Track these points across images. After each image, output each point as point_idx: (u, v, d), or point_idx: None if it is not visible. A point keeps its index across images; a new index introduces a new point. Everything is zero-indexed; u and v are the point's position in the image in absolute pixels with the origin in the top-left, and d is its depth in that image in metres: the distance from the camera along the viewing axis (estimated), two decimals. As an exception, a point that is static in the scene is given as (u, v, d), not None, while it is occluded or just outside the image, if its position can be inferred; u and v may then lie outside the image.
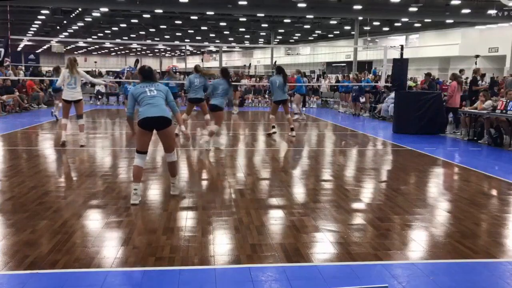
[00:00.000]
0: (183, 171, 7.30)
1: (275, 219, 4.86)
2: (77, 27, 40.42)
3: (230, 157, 8.68)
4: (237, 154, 9.10)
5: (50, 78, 21.69)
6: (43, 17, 33.44)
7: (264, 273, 3.54)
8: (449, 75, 30.75)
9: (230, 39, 48.93)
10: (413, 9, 26.46)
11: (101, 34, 47.84)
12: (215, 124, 9.20)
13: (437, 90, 15.30)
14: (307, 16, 32.22)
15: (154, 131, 5.42)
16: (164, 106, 5.40)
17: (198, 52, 64.94)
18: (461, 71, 16.80)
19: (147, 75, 5.53)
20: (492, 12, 24.91)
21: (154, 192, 5.93)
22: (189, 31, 43.59)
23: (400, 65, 13.88)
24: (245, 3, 25.77)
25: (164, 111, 5.34)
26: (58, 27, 41.88)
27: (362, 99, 17.94)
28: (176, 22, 37.32)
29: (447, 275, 3.59)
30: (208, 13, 31.02)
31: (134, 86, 5.63)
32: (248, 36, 47.43)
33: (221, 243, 4.14)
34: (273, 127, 11.51)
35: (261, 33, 45.25)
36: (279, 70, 11.36)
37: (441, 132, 12.26)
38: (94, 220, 4.75)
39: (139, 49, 66.11)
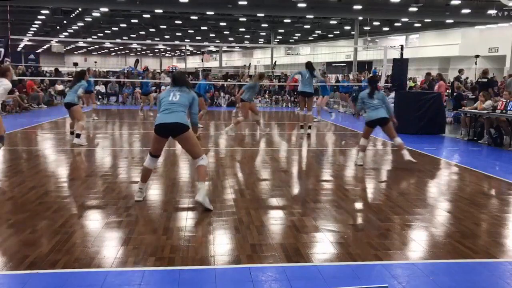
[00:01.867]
0: (184, 172, 7.31)
1: (275, 219, 4.86)
2: (77, 27, 40.41)
3: (230, 157, 8.68)
4: (237, 154, 9.10)
5: (50, 78, 21.73)
6: (43, 17, 33.43)
7: (264, 273, 3.54)
8: (449, 75, 30.81)
9: (230, 39, 48.90)
10: (413, 9, 26.45)
11: (101, 34, 47.82)
12: (363, 138, 8.06)
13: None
14: (307, 16, 32.21)
15: None
16: (182, 113, 5.11)
17: (198, 52, 64.92)
18: (461, 71, 16.78)
19: (174, 79, 5.36)
20: (492, 12, 24.90)
21: (154, 192, 5.93)
22: (189, 31, 43.57)
23: (400, 65, 13.89)
24: (245, 3, 25.77)
25: (178, 117, 5.06)
26: (58, 27, 41.86)
27: None
28: (176, 22, 37.31)
29: (447, 275, 3.59)
30: (208, 13, 31.01)
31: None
32: (248, 36, 47.40)
33: (221, 243, 4.14)
34: (301, 127, 11.72)
35: (261, 33, 45.24)
36: (309, 66, 11.25)
37: (441, 132, 12.26)
38: (94, 220, 4.75)
39: (139, 49, 66.10)
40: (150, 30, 43.15)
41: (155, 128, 5.16)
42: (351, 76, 22.25)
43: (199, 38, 48.88)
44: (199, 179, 5.22)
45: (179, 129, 5.07)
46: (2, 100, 7.09)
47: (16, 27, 36.93)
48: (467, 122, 11.45)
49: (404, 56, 14.85)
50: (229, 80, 23.18)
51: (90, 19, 35.68)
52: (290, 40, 51.36)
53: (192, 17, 33.94)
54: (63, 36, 44.57)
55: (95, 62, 57.47)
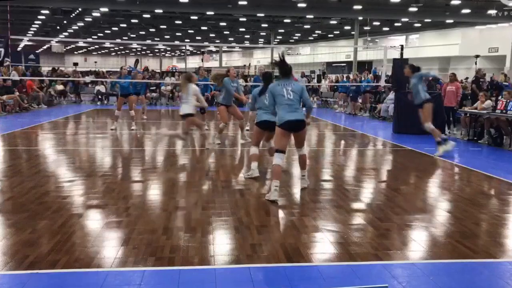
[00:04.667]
0: (184, 172, 7.30)
1: (275, 219, 4.86)
2: (77, 27, 40.41)
3: (230, 157, 8.68)
4: (237, 154, 9.10)
5: (50, 78, 21.74)
6: (43, 17, 33.42)
7: (264, 273, 3.54)
8: (449, 75, 30.72)
9: (230, 39, 48.90)
10: (413, 9, 26.46)
11: (101, 34, 47.82)
12: None
13: (436, 90, 15.28)
14: (307, 16, 32.20)
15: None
16: (301, 111, 5.79)
17: (198, 52, 64.90)
18: (478, 71, 16.49)
19: (285, 73, 5.85)
20: (492, 12, 24.91)
21: (154, 192, 5.93)
22: (189, 31, 43.57)
23: (400, 65, 13.85)
24: (245, 3, 25.77)
25: (300, 115, 5.72)
26: (58, 27, 41.86)
27: (360, 99, 18.11)
28: (176, 22, 37.31)
29: (447, 275, 3.59)
30: (208, 13, 31.00)
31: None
32: (248, 36, 47.40)
33: (221, 243, 4.14)
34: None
35: (261, 33, 45.23)
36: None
37: (442, 132, 12.23)
38: (94, 220, 4.75)
39: (139, 49, 66.10)
40: (150, 30, 43.17)
41: (281, 124, 5.65)
42: (351, 76, 22.23)
43: (199, 38, 48.87)
44: (302, 168, 6.09)
45: (302, 125, 5.75)
46: (195, 107, 8.47)
47: (16, 27, 36.90)
48: (467, 122, 11.45)
49: (404, 56, 14.83)
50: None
51: (90, 19, 35.66)
52: (290, 40, 51.36)
53: (192, 17, 33.93)
54: (63, 36, 44.57)
55: (95, 62, 57.54)
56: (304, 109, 6.00)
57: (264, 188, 6.29)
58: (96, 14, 32.75)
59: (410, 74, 9.13)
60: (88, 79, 22.88)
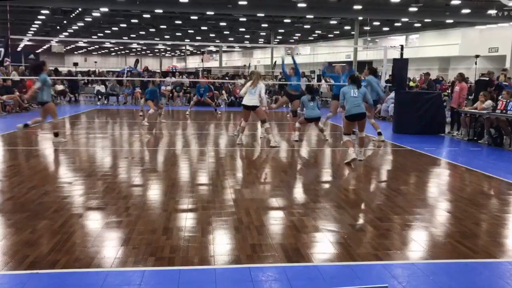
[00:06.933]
0: (184, 172, 7.30)
1: (275, 219, 4.86)
2: (77, 27, 40.40)
3: (230, 157, 8.68)
4: (237, 154, 9.10)
5: (52, 78, 21.71)
6: (43, 17, 33.42)
7: (264, 273, 3.54)
8: (449, 75, 30.69)
9: (230, 39, 48.89)
10: (413, 9, 26.45)
11: (101, 34, 47.81)
12: None
13: (436, 90, 15.29)
14: (307, 16, 32.20)
15: None
16: (362, 105, 7.87)
17: (198, 52, 64.93)
18: (504, 70, 16.28)
19: (353, 80, 8.03)
20: (492, 12, 24.90)
21: (154, 192, 5.93)
22: (189, 31, 43.57)
23: (400, 65, 13.85)
24: (245, 3, 25.77)
25: (361, 109, 7.83)
26: (58, 27, 41.85)
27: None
28: (176, 22, 37.31)
29: (447, 275, 3.59)
30: (208, 13, 31.00)
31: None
32: (248, 36, 47.39)
33: (221, 243, 4.14)
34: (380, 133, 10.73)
35: (261, 33, 45.22)
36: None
37: (441, 132, 12.26)
38: (94, 220, 4.75)
39: (139, 49, 66.10)
40: (150, 30, 43.17)
41: (347, 116, 7.92)
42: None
43: (199, 38, 48.86)
44: (360, 146, 8.19)
45: (362, 116, 7.87)
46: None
47: (16, 27, 36.91)
48: (467, 122, 11.45)
49: (404, 56, 14.83)
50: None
51: (90, 19, 35.66)
52: (290, 40, 51.34)
53: (192, 17, 33.92)
54: (63, 36, 44.56)
55: (95, 62, 57.54)
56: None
57: (264, 187, 6.30)
58: (96, 14, 32.75)
59: (366, 75, 10.91)
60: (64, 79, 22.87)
